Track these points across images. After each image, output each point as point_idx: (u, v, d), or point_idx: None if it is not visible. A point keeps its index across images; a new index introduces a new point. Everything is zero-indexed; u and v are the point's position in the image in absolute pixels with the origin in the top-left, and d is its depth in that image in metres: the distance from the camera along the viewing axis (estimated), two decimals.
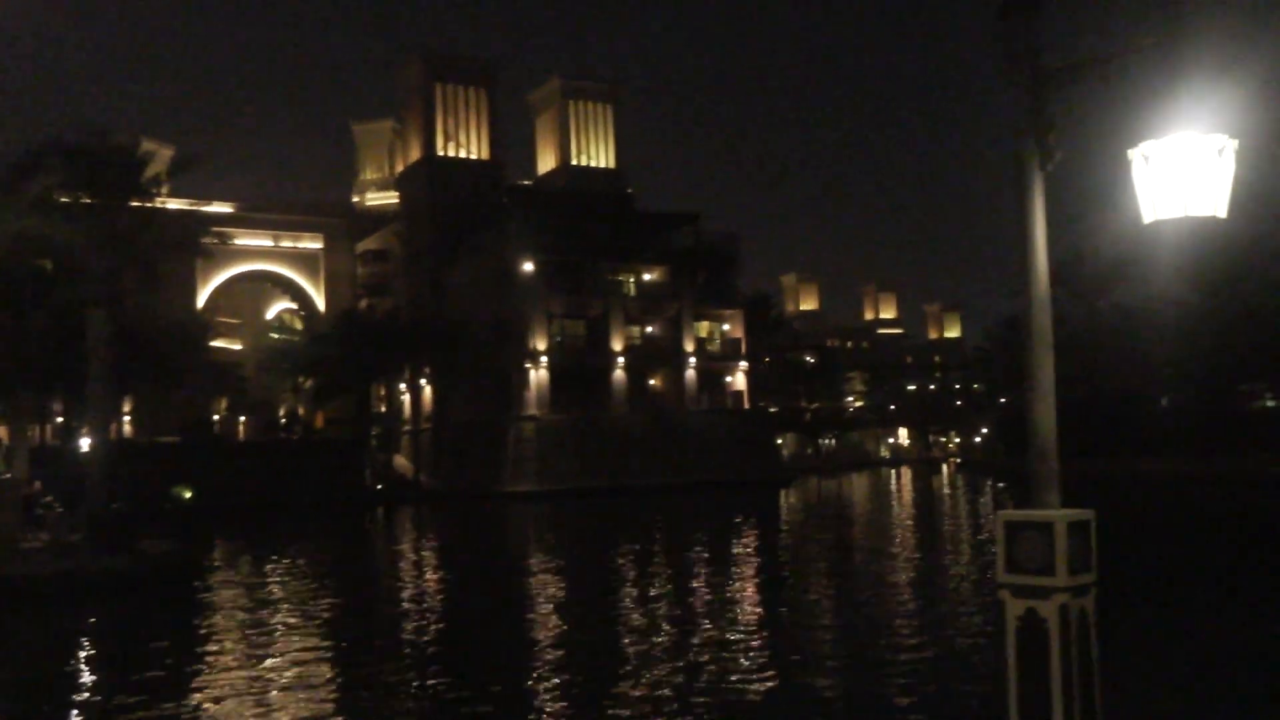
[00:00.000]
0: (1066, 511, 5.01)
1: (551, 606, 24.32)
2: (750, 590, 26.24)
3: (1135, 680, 13.80)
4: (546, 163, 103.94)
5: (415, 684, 15.89)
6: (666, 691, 14.56)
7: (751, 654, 17.23)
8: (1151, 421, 38.62)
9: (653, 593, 25.69)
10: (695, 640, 18.47)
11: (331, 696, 15.06)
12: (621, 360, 79.24)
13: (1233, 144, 4.97)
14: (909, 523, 46.75)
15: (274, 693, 15.03)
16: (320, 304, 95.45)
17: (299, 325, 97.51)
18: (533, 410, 75.57)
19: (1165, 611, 20.35)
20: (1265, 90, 4.85)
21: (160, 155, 68.54)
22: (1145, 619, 18.87)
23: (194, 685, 15.86)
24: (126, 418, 76.65)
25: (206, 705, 14.57)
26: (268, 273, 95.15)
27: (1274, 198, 34.85)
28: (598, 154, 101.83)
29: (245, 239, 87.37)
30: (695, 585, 26.89)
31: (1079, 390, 40.29)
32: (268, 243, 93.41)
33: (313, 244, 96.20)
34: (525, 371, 76.46)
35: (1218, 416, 37.86)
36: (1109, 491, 29.67)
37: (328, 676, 16.53)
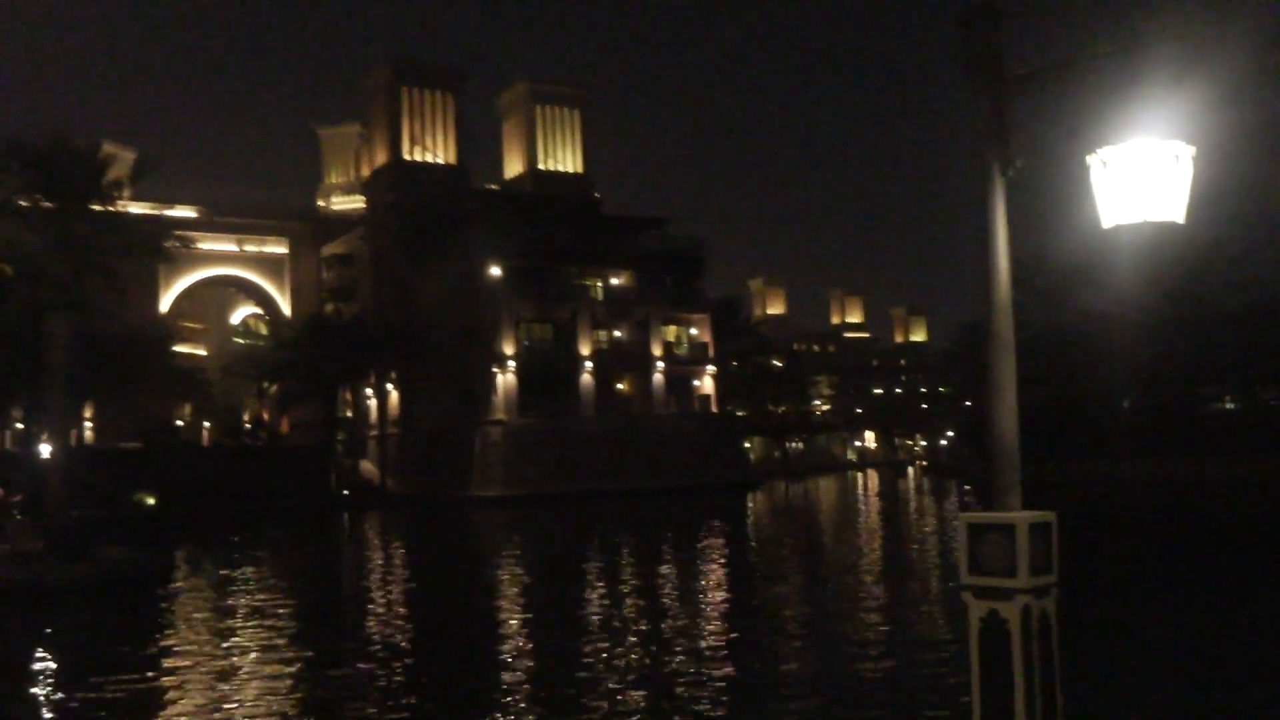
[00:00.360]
0: (1028, 514, 5.06)
1: (518, 611, 24.28)
2: (716, 596, 26.28)
3: (1099, 679, 13.94)
4: (514, 167, 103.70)
5: (384, 693, 15.79)
6: (633, 701, 14.58)
7: (717, 658, 17.27)
8: (1113, 424, 39.00)
9: (619, 599, 25.68)
10: (662, 647, 18.49)
11: (296, 708, 14.91)
12: (589, 364, 79.18)
13: (1190, 150, 5.03)
14: (875, 526, 47.03)
15: (236, 705, 14.84)
16: (285, 309, 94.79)
17: (264, 330, 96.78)
18: (500, 415, 75.34)
19: (1128, 611, 20.57)
20: (1221, 97, 4.92)
21: (122, 158, 67.49)
22: (1108, 619, 19.06)
23: (153, 697, 15.67)
24: (88, 423, 75.76)
25: (167, 717, 14.41)
26: (232, 277, 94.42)
27: (1233, 203, 35.36)
28: (565, 158, 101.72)
29: (209, 243, 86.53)
30: (661, 591, 26.89)
31: (1042, 393, 40.64)
32: (232, 247, 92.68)
33: (278, 248, 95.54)
34: (492, 376, 76.21)
35: (1178, 419, 38.31)
36: (1072, 494, 29.95)
37: (292, 687, 16.38)
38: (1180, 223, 5.07)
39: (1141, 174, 4.97)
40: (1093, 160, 5.11)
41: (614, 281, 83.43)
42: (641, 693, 14.81)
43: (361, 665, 17.59)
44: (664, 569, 31.81)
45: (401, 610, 25.39)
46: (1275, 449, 31.02)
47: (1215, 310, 43.36)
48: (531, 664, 17.72)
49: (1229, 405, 47.95)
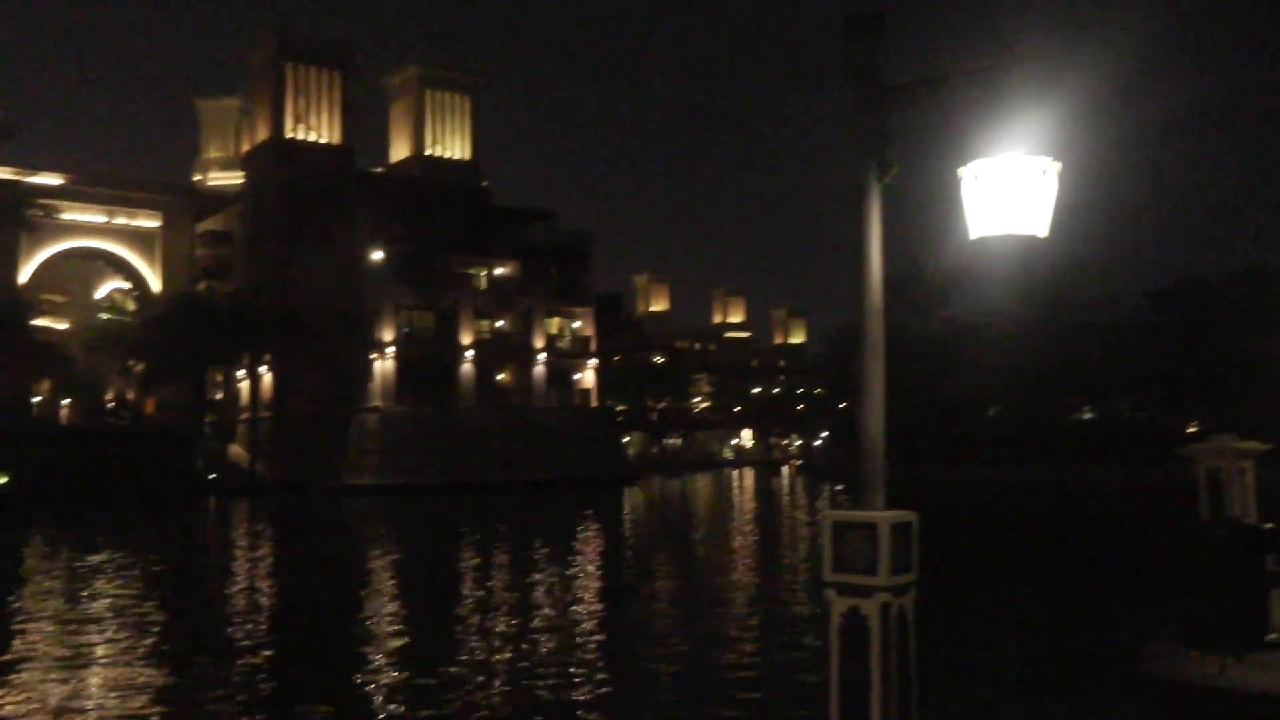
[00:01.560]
0: (890, 513, 5.18)
1: (384, 604, 23.95)
2: (588, 592, 26.35)
3: (952, 675, 14.38)
4: (400, 151, 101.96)
5: (242, 693, 15.40)
6: (496, 695, 14.53)
7: (585, 654, 17.31)
8: (979, 430, 40.35)
9: (489, 592, 25.56)
10: (529, 643, 18.46)
11: (149, 701, 14.40)
12: (470, 354, 78.48)
13: (1056, 166, 5.21)
14: (748, 523, 47.72)
15: (87, 699, 14.24)
16: (156, 285, 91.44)
17: (131, 306, 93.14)
18: (377, 402, 74.15)
19: (976, 611, 21.28)
20: (1084, 115, 5.11)
21: None
22: (959, 615, 19.69)
23: None
24: None
25: (9, 711, 13.79)
26: (99, 250, 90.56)
27: (1096, 219, 36.92)
28: (453, 145, 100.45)
29: (75, 213, 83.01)
30: (531, 585, 26.84)
31: (914, 399, 41.79)
32: (100, 218, 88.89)
33: (149, 222, 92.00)
34: (370, 362, 74.94)
35: (1040, 427, 39.79)
36: (937, 495, 30.88)
37: (146, 680, 15.81)
38: (1043, 236, 5.25)
39: (1009, 188, 5.13)
40: (964, 172, 5.26)
41: (498, 272, 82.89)
42: (504, 688, 14.75)
43: (217, 661, 17.11)
44: (535, 565, 31.73)
45: (265, 602, 24.79)
46: (1129, 459, 32.51)
47: (1079, 324, 45.23)
48: (392, 657, 17.50)
49: (1088, 415, 50.01)
